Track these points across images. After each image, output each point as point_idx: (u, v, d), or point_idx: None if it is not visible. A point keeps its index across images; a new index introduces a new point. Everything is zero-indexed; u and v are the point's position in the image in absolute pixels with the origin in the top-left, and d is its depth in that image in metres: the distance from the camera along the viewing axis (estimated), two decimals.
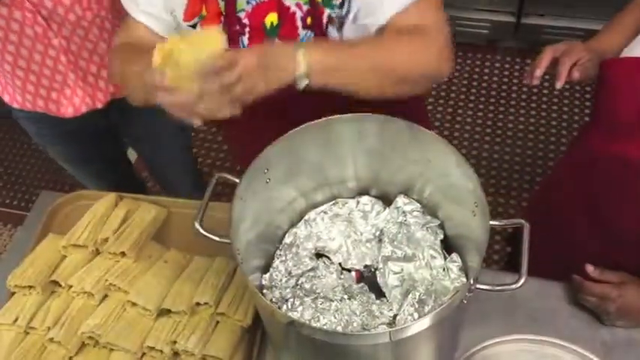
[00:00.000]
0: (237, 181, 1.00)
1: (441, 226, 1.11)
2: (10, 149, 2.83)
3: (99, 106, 1.50)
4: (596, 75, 1.18)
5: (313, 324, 1.01)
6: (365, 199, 1.18)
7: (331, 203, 1.19)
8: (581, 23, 2.63)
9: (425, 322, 0.86)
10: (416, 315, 1.01)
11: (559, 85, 1.18)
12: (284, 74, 0.95)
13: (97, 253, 1.27)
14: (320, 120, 1.04)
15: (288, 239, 1.16)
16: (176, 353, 1.14)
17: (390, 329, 0.84)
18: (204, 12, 1.11)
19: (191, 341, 1.12)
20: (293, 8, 1.09)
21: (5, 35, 1.31)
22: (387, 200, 1.17)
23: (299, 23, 1.10)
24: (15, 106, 1.52)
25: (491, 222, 0.93)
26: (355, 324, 1.03)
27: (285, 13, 1.10)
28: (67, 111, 1.48)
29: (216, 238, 0.98)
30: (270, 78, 0.94)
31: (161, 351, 1.13)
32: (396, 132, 1.05)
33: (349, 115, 1.05)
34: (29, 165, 2.77)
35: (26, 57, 1.37)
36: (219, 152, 2.72)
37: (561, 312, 1.17)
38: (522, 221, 0.94)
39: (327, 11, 1.08)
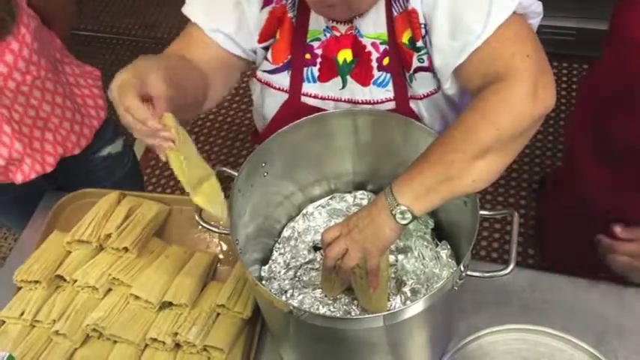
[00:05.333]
0: (235, 174, 1.04)
1: (432, 214, 1.13)
2: None
3: (49, 170, 1.44)
4: None
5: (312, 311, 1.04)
6: (361, 193, 1.22)
7: (329, 197, 1.22)
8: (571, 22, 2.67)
9: (417, 307, 0.89)
10: (409, 303, 1.03)
11: None
12: (387, 238, 0.90)
13: (101, 248, 1.30)
14: (313, 115, 1.08)
15: (286, 233, 1.19)
16: (178, 344, 1.17)
17: (384, 313, 0.87)
18: (277, 35, 1.09)
19: (192, 333, 1.14)
20: (369, 47, 1.06)
21: None
22: None
23: (374, 64, 1.07)
24: None
25: (482, 212, 0.96)
26: (353, 313, 1.06)
27: (360, 51, 1.07)
28: (17, 178, 1.41)
29: (216, 230, 1.02)
30: (374, 249, 0.91)
31: (163, 342, 1.15)
32: (390, 126, 1.08)
33: (342, 109, 1.09)
34: None
35: None
36: (214, 146, 2.75)
37: (554, 302, 1.19)
38: (511, 211, 0.97)
39: (415, 55, 1.03)
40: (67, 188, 1.52)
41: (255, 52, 1.13)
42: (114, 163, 1.61)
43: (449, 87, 1.01)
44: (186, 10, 1.09)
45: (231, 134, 2.77)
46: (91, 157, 1.56)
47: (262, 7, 1.07)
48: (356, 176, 1.21)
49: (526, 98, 0.86)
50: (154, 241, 1.32)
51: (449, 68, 0.97)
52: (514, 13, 0.90)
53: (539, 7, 0.95)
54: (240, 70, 1.17)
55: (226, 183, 1.06)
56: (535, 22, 0.97)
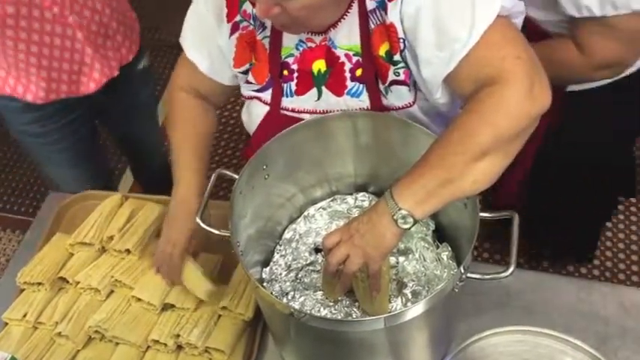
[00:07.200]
0: (236, 177, 1.04)
1: (433, 216, 1.14)
2: (19, 157, 2.88)
3: (115, 73, 1.53)
4: None
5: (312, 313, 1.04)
6: (362, 195, 1.22)
7: (330, 199, 1.22)
8: None
9: (418, 309, 0.89)
10: (410, 305, 1.03)
11: None
12: (388, 243, 0.90)
13: (103, 250, 1.31)
14: (314, 117, 1.08)
15: (287, 235, 1.19)
16: (179, 346, 1.17)
17: (385, 315, 0.87)
18: (253, 60, 1.13)
19: (194, 334, 1.15)
20: (342, 58, 1.08)
21: (28, 36, 1.34)
22: None
23: (347, 74, 1.09)
24: (38, 102, 1.49)
25: (482, 214, 0.96)
26: (354, 315, 1.06)
27: (334, 62, 1.08)
28: (89, 87, 1.50)
29: (216, 232, 1.02)
30: (376, 254, 0.91)
31: (165, 344, 1.16)
32: (389, 128, 1.08)
33: (341, 112, 1.09)
34: (37, 172, 2.81)
35: (48, 44, 1.39)
36: (217, 148, 2.75)
37: (555, 303, 1.19)
38: (512, 213, 0.98)
39: (392, 68, 1.04)
40: (111, 111, 1.71)
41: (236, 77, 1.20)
42: (145, 76, 1.72)
43: (440, 96, 1.01)
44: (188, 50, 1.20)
45: (234, 136, 2.78)
46: (132, 70, 1.64)
47: (230, 36, 1.13)
48: (357, 178, 1.21)
49: (523, 98, 0.86)
50: (155, 243, 1.31)
51: (438, 79, 0.97)
52: (498, 16, 0.90)
53: (521, 6, 0.95)
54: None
55: (227, 185, 1.07)
56: (519, 20, 0.96)
